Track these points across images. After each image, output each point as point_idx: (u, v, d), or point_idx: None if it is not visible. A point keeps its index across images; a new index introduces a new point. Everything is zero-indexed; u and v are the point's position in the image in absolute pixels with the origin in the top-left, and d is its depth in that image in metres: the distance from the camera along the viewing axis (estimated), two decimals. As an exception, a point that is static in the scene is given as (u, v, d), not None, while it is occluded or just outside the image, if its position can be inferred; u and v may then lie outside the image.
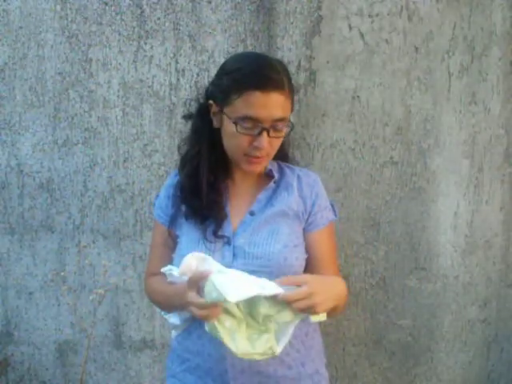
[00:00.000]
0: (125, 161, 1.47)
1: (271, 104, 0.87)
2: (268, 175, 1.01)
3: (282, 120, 0.90)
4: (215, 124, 0.95)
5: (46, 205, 1.52)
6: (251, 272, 0.88)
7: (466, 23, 1.35)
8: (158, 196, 1.09)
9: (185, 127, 1.43)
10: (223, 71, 0.94)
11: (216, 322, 0.78)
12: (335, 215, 1.06)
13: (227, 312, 0.80)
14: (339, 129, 1.39)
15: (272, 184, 1.00)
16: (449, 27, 1.35)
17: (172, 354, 1.05)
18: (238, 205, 0.99)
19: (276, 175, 1.00)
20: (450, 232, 1.42)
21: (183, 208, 0.99)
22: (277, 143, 0.94)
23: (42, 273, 1.55)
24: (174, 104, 1.43)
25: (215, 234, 0.93)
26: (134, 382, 1.57)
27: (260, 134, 0.88)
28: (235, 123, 0.88)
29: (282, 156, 1.07)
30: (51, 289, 1.55)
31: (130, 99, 1.44)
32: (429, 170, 1.40)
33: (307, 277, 0.85)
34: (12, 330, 1.60)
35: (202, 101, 1.01)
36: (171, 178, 1.05)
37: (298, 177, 1.03)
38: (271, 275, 0.89)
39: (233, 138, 0.91)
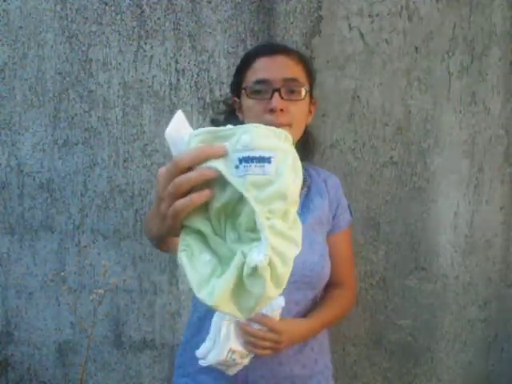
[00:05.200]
0: (125, 161, 1.47)
1: (278, 64, 0.87)
2: None
3: (293, 81, 0.87)
4: (241, 118, 0.95)
5: (46, 205, 1.52)
6: (293, 282, 0.86)
7: (466, 23, 1.35)
8: None
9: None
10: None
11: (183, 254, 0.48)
12: (351, 215, 1.07)
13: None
14: (339, 129, 1.39)
15: (305, 189, 0.98)
16: (449, 27, 1.35)
17: (185, 354, 1.02)
18: None
19: (308, 179, 0.99)
20: (449, 232, 1.42)
21: None
22: (296, 109, 0.89)
23: (42, 273, 1.55)
24: (173, 104, 1.43)
25: None
26: (133, 382, 1.57)
27: (272, 96, 0.86)
28: (245, 89, 0.88)
29: (306, 154, 1.06)
30: (51, 289, 1.55)
31: (130, 99, 1.44)
32: (429, 170, 1.40)
33: (281, 327, 0.84)
34: (12, 330, 1.59)
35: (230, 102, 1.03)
36: None
37: (325, 179, 1.02)
38: (309, 285, 0.90)
39: (250, 110, 0.89)
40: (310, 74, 0.96)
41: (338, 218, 1.01)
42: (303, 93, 0.89)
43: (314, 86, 0.98)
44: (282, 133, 0.47)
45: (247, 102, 0.89)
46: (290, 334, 0.85)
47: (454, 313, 1.46)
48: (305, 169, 1.03)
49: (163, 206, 0.48)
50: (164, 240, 0.65)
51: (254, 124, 0.46)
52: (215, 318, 0.82)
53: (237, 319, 0.79)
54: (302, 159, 1.07)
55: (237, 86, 0.95)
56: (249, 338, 0.81)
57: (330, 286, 1.00)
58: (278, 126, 0.86)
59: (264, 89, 0.87)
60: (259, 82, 0.87)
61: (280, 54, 0.88)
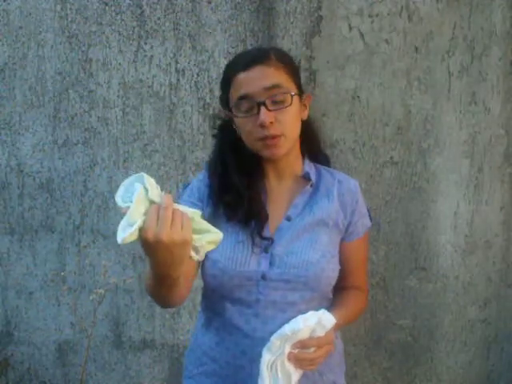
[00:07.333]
0: (125, 161, 1.47)
1: (256, 76, 0.85)
2: (305, 178, 0.96)
3: (275, 88, 0.85)
4: (238, 132, 0.92)
5: (46, 205, 1.52)
6: (286, 282, 0.86)
7: (465, 23, 1.35)
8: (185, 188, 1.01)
9: (184, 127, 1.44)
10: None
11: None
12: (370, 220, 1.02)
13: None
14: (339, 129, 1.39)
15: (308, 187, 0.95)
16: (449, 27, 1.35)
17: (191, 355, 1.01)
18: (275, 209, 0.94)
19: (313, 178, 0.96)
20: (449, 232, 1.42)
21: (222, 211, 0.92)
22: (286, 118, 0.86)
23: (42, 273, 1.55)
24: (173, 104, 1.43)
25: (260, 234, 0.88)
26: (133, 382, 1.57)
27: (259, 110, 0.84)
28: (231, 109, 0.87)
29: (320, 157, 1.03)
30: (51, 289, 1.55)
31: (130, 99, 1.44)
32: (429, 170, 1.40)
33: (330, 339, 0.84)
34: (12, 330, 1.60)
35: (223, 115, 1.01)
36: (201, 175, 1.00)
37: (339, 182, 0.98)
38: (306, 286, 0.88)
39: (243, 128, 0.88)
40: (295, 73, 0.92)
41: (355, 224, 0.97)
42: (289, 99, 0.87)
43: (300, 82, 0.95)
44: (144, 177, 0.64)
45: (237, 121, 0.89)
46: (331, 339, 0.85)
47: (454, 313, 1.46)
48: (317, 169, 1.00)
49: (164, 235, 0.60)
50: (178, 274, 0.71)
51: (139, 184, 0.63)
52: (263, 369, 0.79)
53: (282, 357, 0.80)
54: (308, 156, 1.03)
55: (224, 101, 0.93)
56: (308, 363, 0.82)
57: (347, 288, 0.99)
58: (271, 137, 0.85)
59: (249, 105, 0.85)
60: (241, 98, 0.85)
61: (255, 65, 0.85)
